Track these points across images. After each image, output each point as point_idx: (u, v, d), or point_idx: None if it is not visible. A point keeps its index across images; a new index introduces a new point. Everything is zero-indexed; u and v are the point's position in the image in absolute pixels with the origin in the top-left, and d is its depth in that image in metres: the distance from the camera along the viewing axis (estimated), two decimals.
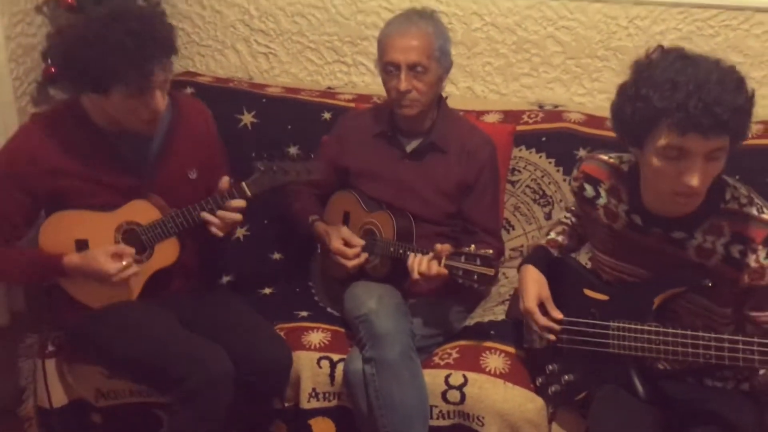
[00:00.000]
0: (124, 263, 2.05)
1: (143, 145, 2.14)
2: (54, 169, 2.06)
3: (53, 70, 2.75)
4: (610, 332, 1.87)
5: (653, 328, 1.79)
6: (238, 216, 2.11)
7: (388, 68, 2.25)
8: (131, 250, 2.08)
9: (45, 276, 2.15)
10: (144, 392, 2.31)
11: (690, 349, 1.72)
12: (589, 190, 1.94)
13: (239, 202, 2.10)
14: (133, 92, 1.95)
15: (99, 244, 2.09)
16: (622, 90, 1.68)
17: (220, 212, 2.09)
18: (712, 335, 1.70)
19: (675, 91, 1.55)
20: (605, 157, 1.94)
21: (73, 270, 2.07)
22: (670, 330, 1.76)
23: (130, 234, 2.13)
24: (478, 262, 2.00)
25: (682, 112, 1.54)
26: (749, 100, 1.58)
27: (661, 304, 1.80)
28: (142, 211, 2.12)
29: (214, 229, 2.10)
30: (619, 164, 1.90)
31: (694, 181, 1.59)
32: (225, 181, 2.11)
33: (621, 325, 1.85)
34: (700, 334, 1.72)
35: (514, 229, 2.64)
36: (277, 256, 2.73)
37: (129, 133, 2.08)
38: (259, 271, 2.68)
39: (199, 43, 3.18)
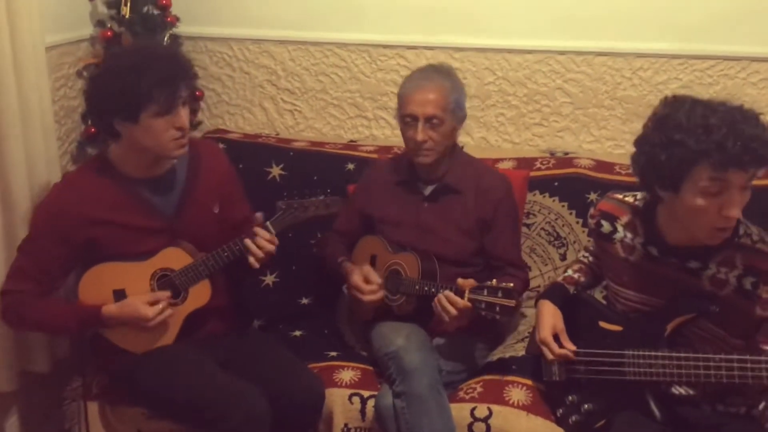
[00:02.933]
0: (160, 306, 2.16)
1: (168, 187, 2.25)
2: (87, 220, 2.16)
3: (93, 130, 2.94)
4: (626, 360, 1.95)
5: (666, 353, 1.88)
6: (271, 246, 2.19)
7: (406, 119, 2.38)
8: (166, 294, 2.20)
9: (85, 326, 2.23)
10: None
11: (702, 371, 1.82)
12: (606, 226, 2.05)
13: (267, 236, 2.18)
14: (162, 111, 2.06)
15: (136, 292, 2.20)
16: (647, 140, 1.78)
17: (258, 241, 2.17)
18: (722, 356, 1.80)
19: (709, 133, 1.66)
20: (620, 196, 2.06)
21: (111, 319, 2.17)
22: (682, 354, 1.86)
23: (164, 280, 2.23)
24: (500, 294, 2.09)
25: (722, 152, 1.66)
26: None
27: (673, 330, 1.90)
28: (175, 258, 2.22)
29: (252, 260, 2.18)
30: (634, 201, 2.02)
31: (736, 212, 1.72)
32: (260, 217, 2.20)
33: (636, 353, 1.94)
34: (711, 355, 1.82)
35: (530, 270, 2.72)
36: (305, 300, 2.81)
37: (155, 175, 2.20)
38: (289, 314, 2.76)
39: (228, 103, 3.31)
